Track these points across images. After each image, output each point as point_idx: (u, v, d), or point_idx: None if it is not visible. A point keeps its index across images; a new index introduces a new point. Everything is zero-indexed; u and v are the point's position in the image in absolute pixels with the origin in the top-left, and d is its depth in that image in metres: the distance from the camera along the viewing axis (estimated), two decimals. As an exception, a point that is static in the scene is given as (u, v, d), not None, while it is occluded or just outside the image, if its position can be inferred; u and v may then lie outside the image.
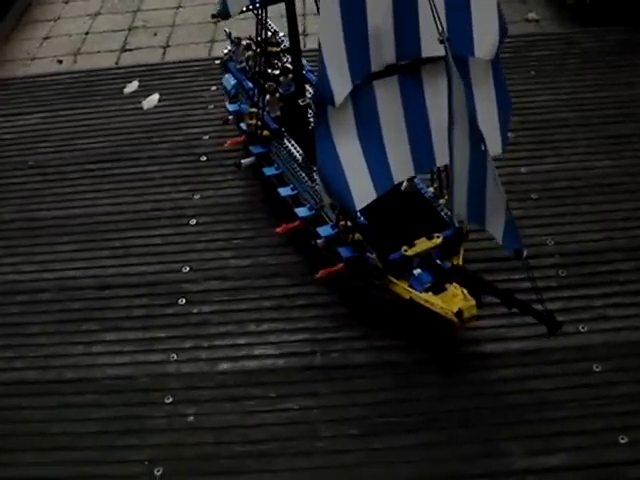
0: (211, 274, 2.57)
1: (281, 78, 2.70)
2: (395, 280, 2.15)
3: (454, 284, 2.12)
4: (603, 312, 2.33)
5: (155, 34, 4.12)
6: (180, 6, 4.39)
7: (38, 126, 3.27)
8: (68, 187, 2.86)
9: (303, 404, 2.17)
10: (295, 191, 2.46)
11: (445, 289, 2.13)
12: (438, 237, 2.18)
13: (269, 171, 2.55)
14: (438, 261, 2.17)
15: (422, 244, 2.18)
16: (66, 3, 4.61)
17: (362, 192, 1.87)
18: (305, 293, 2.48)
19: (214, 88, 3.11)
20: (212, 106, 3.16)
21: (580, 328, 2.29)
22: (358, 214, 2.27)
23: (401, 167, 1.91)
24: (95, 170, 3.01)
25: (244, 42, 2.84)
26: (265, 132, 2.60)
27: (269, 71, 2.71)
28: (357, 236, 2.19)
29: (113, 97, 3.46)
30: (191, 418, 2.15)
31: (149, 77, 3.56)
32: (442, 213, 2.26)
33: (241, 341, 2.35)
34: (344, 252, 2.20)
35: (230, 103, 2.80)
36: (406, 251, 2.15)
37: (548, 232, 2.59)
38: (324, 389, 2.20)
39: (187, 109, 3.31)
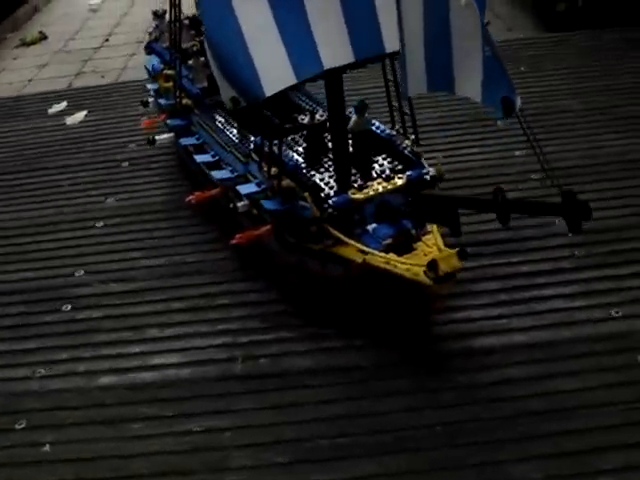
0: (111, 276, 1.97)
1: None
2: (341, 235, 1.51)
3: (427, 239, 1.49)
4: (636, 294, 1.66)
5: (103, 76, 3.71)
6: (134, 53, 4.02)
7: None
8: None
9: (210, 424, 1.47)
10: (216, 157, 1.88)
11: (413, 249, 1.49)
12: (399, 178, 1.57)
13: (187, 141, 1.99)
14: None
15: (376, 186, 1.56)
16: (14, 59, 4.26)
17: (274, 72, 1.29)
18: (231, 291, 1.86)
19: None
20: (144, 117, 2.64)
21: (613, 313, 1.62)
22: (291, 156, 1.67)
23: (333, 47, 1.34)
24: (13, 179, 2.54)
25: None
26: (185, 101, 2.05)
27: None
28: (287, 183, 1.58)
29: (37, 117, 3.00)
30: (46, 447, 1.46)
31: (80, 98, 3.12)
32: (406, 152, 1.65)
33: (135, 349, 1.70)
34: (270, 204, 1.58)
35: (151, 83, 2.29)
36: (354, 194, 1.53)
37: (555, 212, 1.96)
38: (243, 404, 1.52)
39: (115, 122, 2.87)
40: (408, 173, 1.57)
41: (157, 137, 2.11)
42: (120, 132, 2.75)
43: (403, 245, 1.49)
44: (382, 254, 1.47)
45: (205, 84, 2.13)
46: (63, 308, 1.86)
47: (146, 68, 2.37)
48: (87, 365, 1.67)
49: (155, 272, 1.95)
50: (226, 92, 1.36)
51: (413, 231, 1.52)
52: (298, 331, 1.69)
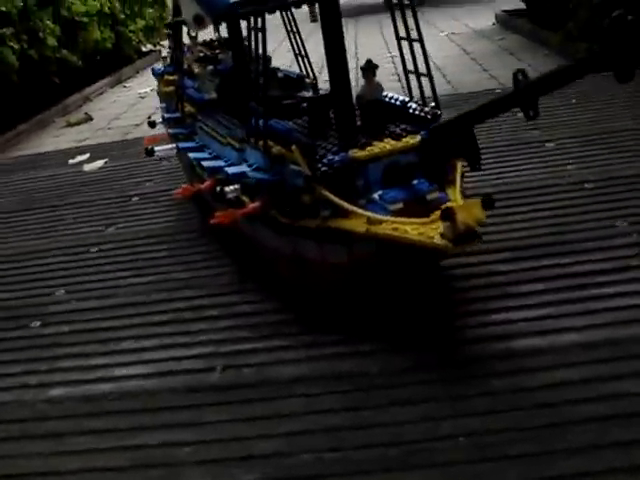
0: (91, 294, 1.73)
1: (220, 56, 2.02)
2: (338, 200, 1.21)
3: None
4: None
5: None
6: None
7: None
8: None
9: (169, 438, 1.15)
10: (212, 154, 1.64)
11: (429, 216, 1.18)
12: (412, 137, 1.29)
13: (186, 145, 1.77)
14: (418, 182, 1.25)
15: (383, 145, 1.28)
16: (56, 137, 4.26)
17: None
18: (221, 304, 1.58)
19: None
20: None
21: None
22: (284, 123, 1.42)
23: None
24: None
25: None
26: (188, 108, 1.86)
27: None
28: (277, 149, 1.32)
29: (57, 167, 2.90)
30: (-33, 465, 1.15)
31: (102, 150, 3.02)
32: (422, 113, 1.38)
33: (98, 362, 1.43)
34: (258, 174, 1.31)
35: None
36: (355, 153, 1.25)
37: (616, 215, 1.64)
38: (213, 417, 1.20)
39: (133, 167, 2.72)
40: (423, 132, 1.29)
41: (156, 148, 1.91)
42: (137, 174, 2.58)
43: (417, 211, 1.18)
44: (390, 218, 1.17)
45: (214, 95, 1.94)
46: (32, 324, 1.61)
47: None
48: (40, 378, 1.39)
49: (139, 289, 1.70)
50: (189, 10, 1.14)
51: (431, 195, 1.22)
52: (293, 340, 1.38)
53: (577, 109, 2.52)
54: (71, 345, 1.49)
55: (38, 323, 1.61)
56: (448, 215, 1.05)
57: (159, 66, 2.11)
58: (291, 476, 1.03)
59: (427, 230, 1.12)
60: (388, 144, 1.28)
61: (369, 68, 1.41)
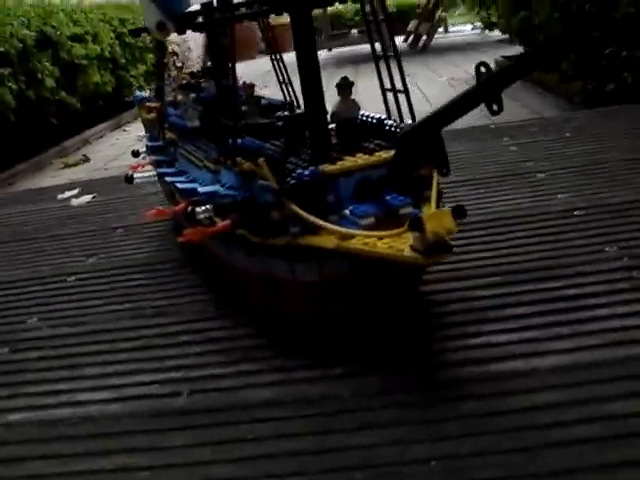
0: (64, 322, 1.68)
1: (204, 84, 2.01)
2: (306, 215, 1.17)
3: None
4: None
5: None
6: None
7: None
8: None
9: (126, 463, 1.09)
10: (189, 178, 1.61)
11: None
12: (387, 152, 1.25)
13: (164, 170, 1.74)
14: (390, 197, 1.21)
15: (355, 160, 1.24)
16: (52, 177, 4.26)
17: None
18: (194, 330, 1.52)
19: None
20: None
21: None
22: (253, 140, 1.39)
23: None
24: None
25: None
26: (169, 135, 1.83)
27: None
28: (247, 165, 1.28)
29: (46, 202, 2.86)
30: None
31: (93, 186, 3.00)
32: (398, 129, 1.34)
33: (62, 387, 1.36)
34: (228, 191, 1.27)
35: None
36: (326, 168, 1.21)
37: (606, 240, 1.59)
38: (175, 441, 1.14)
39: (120, 202, 2.69)
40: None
41: (135, 174, 1.88)
42: (123, 207, 2.55)
43: (389, 226, 1.14)
44: (360, 232, 1.13)
45: (197, 123, 1.92)
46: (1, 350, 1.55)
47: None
48: (2, 403, 1.33)
49: (111, 316, 1.65)
50: (152, 17, 1.12)
51: (404, 210, 1.18)
52: (263, 364, 1.32)
53: (570, 142, 2.49)
54: (37, 371, 1.44)
55: (6, 350, 1.56)
56: (417, 225, 1.00)
57: (139, 93, 2.10)
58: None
59: (397, 243, 1.08)
60: (360, 159, 1.24)
61: (345, 85, 1.39)
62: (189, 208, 1.38)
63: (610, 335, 1.22)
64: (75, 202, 2.73)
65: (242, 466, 1.05)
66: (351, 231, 1.14)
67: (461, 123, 3.34)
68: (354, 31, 9.98)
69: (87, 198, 2.76)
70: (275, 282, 1.30)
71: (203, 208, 1.38)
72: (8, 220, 2.69)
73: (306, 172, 1.21)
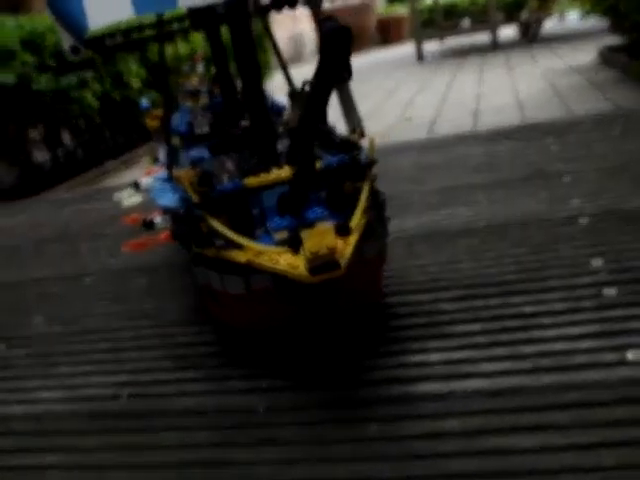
0: (63, 321, 1.77)
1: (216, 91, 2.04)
2: (222, 228, 1.17)
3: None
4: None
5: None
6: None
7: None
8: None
9: (43, 462, 1.14)
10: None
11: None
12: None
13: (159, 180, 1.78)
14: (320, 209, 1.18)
15: (278, 172, 1.22)
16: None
17: (108, 2, 1.05)
18: (164, 334, 1.57)
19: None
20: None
21: (629, 356, 1.09)
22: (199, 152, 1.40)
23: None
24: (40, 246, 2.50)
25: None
26: (174, 139, 1.88)
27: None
28: (176, 178, 1.30)
29: (104, 201, 3.01)
30: None
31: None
32: (340, 139, 1.31)
33: (30, 384, 1.45)
34: (164, 200, 1.30)
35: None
36: (248, 180, 1.20)
37: (596, 252, 1.48)
38: (86, 443, 1.18)
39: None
40: (327, 158, 1.23)
41: (142, 180, 1.95)
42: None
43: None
44: (271, 249, 1.11)
45: (207, 129, 1.96)
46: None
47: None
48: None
49: (104, 317, 1.72)
50: (66, 41, 1.15)
51: (322, 224, 1.15)
52: (207, 372, 1.34)
53: (615, 141, 2.32)
54: (16, 367, 1.53)
55: (4, 346, 1.67)
56: (294, 243, 0.98)
57: (145, 102, 2.16)
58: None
59: (296, 260, 1.06)
60: (284, 171, 1.22)
61: (296, 94, 1.37)
62: (147, 218, 1.42)
63: (545, 360, 1.14)
64: (126, 202, 2.85)
65: (137, 472, 1.07)
66: (262, 246, 1.13)
67: (539, 119, 3.29)
68: (466, 21, 9.71)
69: (138, 198, 2.87)
70: (213, 292, 1.31)
71: (161, 219, 1.42)
72: (59, 219, 2.86)
73: (228, 186, 1.21)
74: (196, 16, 1.26)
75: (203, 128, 1.95)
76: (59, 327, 1.71)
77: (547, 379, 1.09)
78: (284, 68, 1.86)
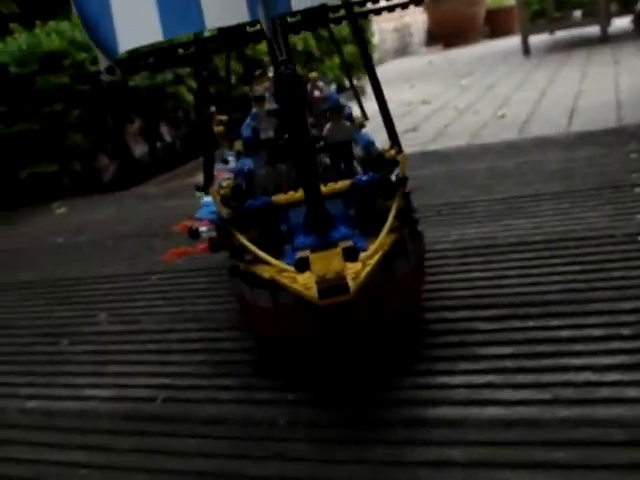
0: (124, 319, 1.86)
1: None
2: (249, 244, 1.19)
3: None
4: None
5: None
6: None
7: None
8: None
9: (70, 459, 1.22)
10: None
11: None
12: (343, 181, 1.22)
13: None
14: (344, 228, 1.19)
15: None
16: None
17: (135, 27, 1.10)
18: (207, 339, 1.62)
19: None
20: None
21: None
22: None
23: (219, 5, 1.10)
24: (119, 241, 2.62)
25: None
26: (237, 144, 1.93)
27: None
28: (224, 190, 1.33)
29: (187, 197, 3.11)
30: None
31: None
32: (374, 156, 1.30)
33: (80, 381, 1.54)
34: (200, 213, 1.34)
35: None
36: (277, 198, 1.22)
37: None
38: (121, 444, 1.24)
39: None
40: (357, 176, 1.23)
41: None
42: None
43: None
44: (291, 267, 1.13)
45: (271, 134, 1.99)
46: (61, 342, 1.77)
47: None
48: (26, 390, 1.52)
49: (158, 318, 1.79)
50: (103, 62, 1.20)
51: (345, 244, 1.15)
52: (238, 381, 1.37)
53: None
54: (72, 364, 1.62)
55: (66, 341, 1.77)
56: (302, 266, 0.99)
57: (211, 107, 2.20)
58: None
59: (311, 281, 1.07)
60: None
61: (336, 111, 1.38)
62: (193, 227, 1.47)
63: (566, 391, 1.10)
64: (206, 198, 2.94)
65: (156, 476, 1.12)
66: (284, 264, 1.15)
67: (610, 121, 3.16)
68: (577, 13, 9.30)
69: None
70: (246, 303, 1.34)
71: (206, 228, 1.46)
72: (142, 215, 2.99)
73: (256, 202, 1.23)
74: (226, 36, 1.28)
75: (268, 133, 2.00)
76: (118, 326, 1.81)
77: (564, 412, 1.05)
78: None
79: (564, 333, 1.28)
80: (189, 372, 1.46)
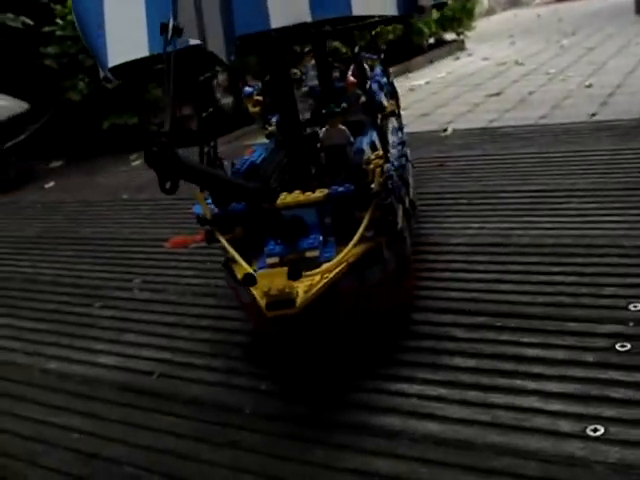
0: (153, 287, 2.00)
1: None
2: (226, 244, 1.28)
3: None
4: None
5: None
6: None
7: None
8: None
9: (63, 422, 1.39)
10: None
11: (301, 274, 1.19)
12: (321, 191, 1.27)
13: None
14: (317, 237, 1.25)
15: (285, 196, 1.29)
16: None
17: (125, 42, 1.17)
18: (217, 316, 1.73)
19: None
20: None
21: (589, 431, 1.06)
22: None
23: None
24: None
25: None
26: (271, 128, 1.99)
27: None
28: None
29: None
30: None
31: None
32: (355, 165, 1.34)
33: (97, 346, 1.69)
34: (197, 209, 1.43)
35: None
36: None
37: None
38: (110, 414, 1.39)
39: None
40: (333, 187, 1.27)
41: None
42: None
43: (294, 267, 1.19)
44: (262, 272, 1.20)
45: (307, 115, 2.05)
46: (94, 305, 1.93)
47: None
48: (52, 351, 1.69)
49: (181, 289, 1.92)
50: (101, 72, 1.28)
51: (311, 253, 1.22)
52: (229, 363, 1.48)
53: None
54: (97, 328, 1.78)
55: (99, 304, 1.93)
56: (248, 281, 1.07)
57: (248, 88, 2.25)
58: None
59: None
60: (290, 196, 1.29)
61: (334, 114, 1.41)
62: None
63: (507, 415, 1.13)
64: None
65: (128, 451, 1.25)
66: (252, 268, 1.22)
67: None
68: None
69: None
70: (236, 294, 1.43)
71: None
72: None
73: (237, 207, 1.31)
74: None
75: (304, 114, 2.05)
76: (146, 294, 1.95)
77: (494, 438, 1.09)
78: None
79: (530, 352, 1.30)
80: (190, 349, 1.58)
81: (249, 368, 1.44)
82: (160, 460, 1.21)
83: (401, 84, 5.45)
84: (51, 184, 3.61)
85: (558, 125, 2.81)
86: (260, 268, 1.24)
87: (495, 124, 3.19)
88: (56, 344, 1.73)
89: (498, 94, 4.39)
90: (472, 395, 1.20)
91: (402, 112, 4.61)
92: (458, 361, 1.32)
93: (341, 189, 1.27)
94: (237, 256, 1.27)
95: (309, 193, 1.29)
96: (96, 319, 1.84)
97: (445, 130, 3.06)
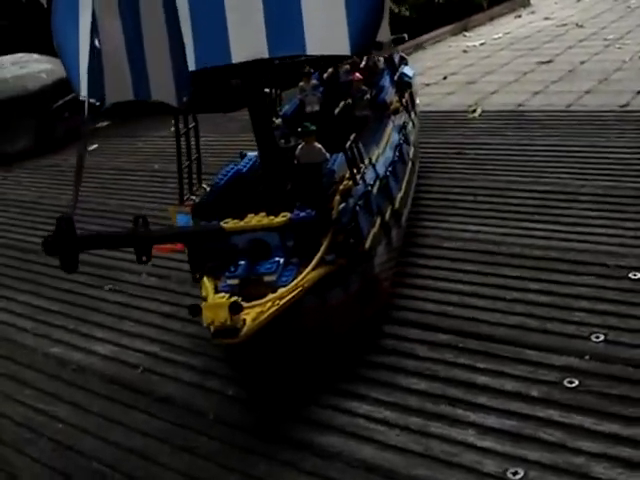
0: (162, 272, 2.06)
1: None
2: (192, 265, 1.35)
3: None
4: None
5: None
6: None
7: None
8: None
9: (43, 407, 1.52)
10: None
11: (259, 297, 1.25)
12: (283, 216, 1.32)
13: None
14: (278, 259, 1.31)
15: (249, 219, 1.34)
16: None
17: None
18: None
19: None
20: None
21: (509, 475, 1.10)
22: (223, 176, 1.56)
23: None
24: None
25: None
26: (277, 120, 2.03)
27: None
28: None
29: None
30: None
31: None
32: (317, 190, 1.38)
33: (96, 333, 1.80)
34: (181, 219, 1.49)
35: None
36: (226, 223, 1.34)
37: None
38: (92, 406, 1.50)
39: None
40: (295, 212, 1.31)
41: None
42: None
43: (252, 291, 1.26)
44: (218, 296, 1.27)
45: (317, 108, 2.07)
46: (106, 287, 2.03)
47: None
48: (62, 334, 1.81)
49: (189, 278, 1.98)
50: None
51: (268, 277, 1.27)
52: (209, 363, 1.56)
53: None
54: (101, 313, 1.88)
55: (108, 287, 2.04)
56: (194, 312, 1.13)
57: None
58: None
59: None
60: (254, 219, 1.33)
61: (307, 133, 1.44)
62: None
63: (440, 447, 1.18)
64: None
65: (99, 446, 1.36)
66: (209, 288, 1.29)
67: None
68: None
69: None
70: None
71: None
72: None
73: (207, 226, 1.37)
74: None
75: (314, 106, 2.08)
76: (152, 279, 2.03)
77: (419, 471, 1.14)
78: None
79: (482, 379, 1.33)
80: (177, 344, 1.67)
81: (224, 370, 1.53)
82: (125, 458, 1.32)
83: (456, 44, 5.33)
84: (94, 146, 3.73)
85: (586, 113, 2.73)
86: (222, 287, 1.30)
87: (531, 103, 3.11)
88: (63, 327, 1.85)
89: (549, 62, 4.25)
90: (414, 422, 1.26)
91: (450, 77, 4.51)
92: (412, 382, 1.36)
93: (302, 214, 1.32)
94: (199, 272, 1.34)
95: (272, 217, 1.34)
96: (103, 304, 1.95)
97: (474, 111, 3.01)
